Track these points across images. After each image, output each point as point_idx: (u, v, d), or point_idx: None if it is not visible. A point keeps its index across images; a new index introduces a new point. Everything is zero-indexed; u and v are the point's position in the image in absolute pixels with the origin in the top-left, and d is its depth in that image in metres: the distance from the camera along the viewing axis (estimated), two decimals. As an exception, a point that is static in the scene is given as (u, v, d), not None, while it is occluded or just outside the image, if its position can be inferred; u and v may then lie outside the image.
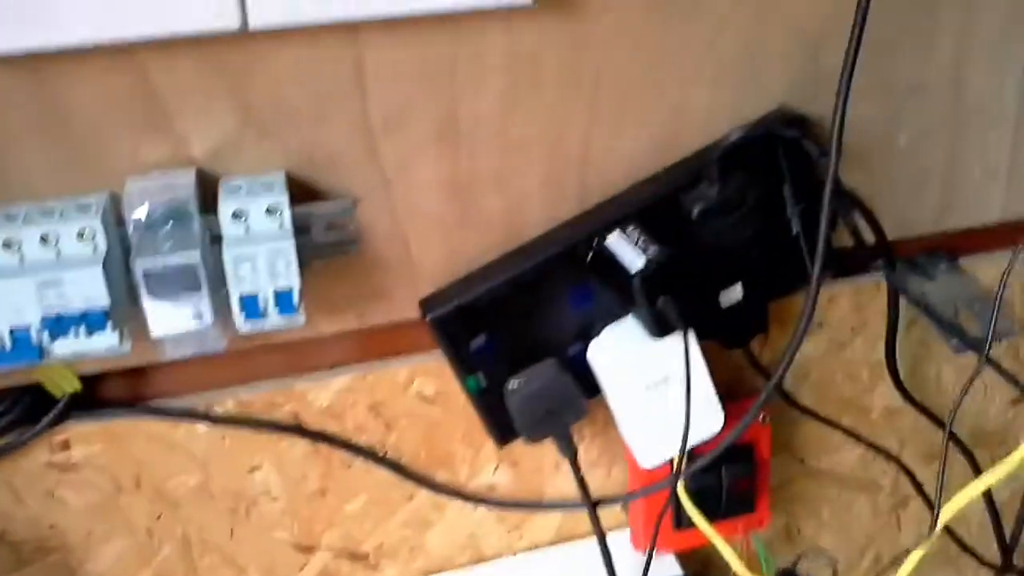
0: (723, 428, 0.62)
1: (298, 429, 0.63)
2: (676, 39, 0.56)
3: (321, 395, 0.63)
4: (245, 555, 0.66)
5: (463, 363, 0.59)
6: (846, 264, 0.68)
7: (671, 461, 0.63)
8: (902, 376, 0.71)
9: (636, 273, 0.54)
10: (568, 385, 0.60)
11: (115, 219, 0.51)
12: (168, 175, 0.51)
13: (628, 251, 0.55)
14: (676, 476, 0.63)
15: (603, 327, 0.60)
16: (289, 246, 0.50)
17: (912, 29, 0.60)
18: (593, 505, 0.65)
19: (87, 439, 0.59)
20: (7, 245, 0.48)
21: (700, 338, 0.59)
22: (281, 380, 0.62)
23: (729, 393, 0.62)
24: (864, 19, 0.52)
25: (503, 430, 0.62)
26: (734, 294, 0.61)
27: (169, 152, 0.52)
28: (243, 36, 0.47)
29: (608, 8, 0.54)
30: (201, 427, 0.61)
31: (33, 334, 0.48)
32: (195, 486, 0.63)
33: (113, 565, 0.64)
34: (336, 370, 0.63)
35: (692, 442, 0.61)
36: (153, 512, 0.63)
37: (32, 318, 0.47)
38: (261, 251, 0.50)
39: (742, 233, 0.58)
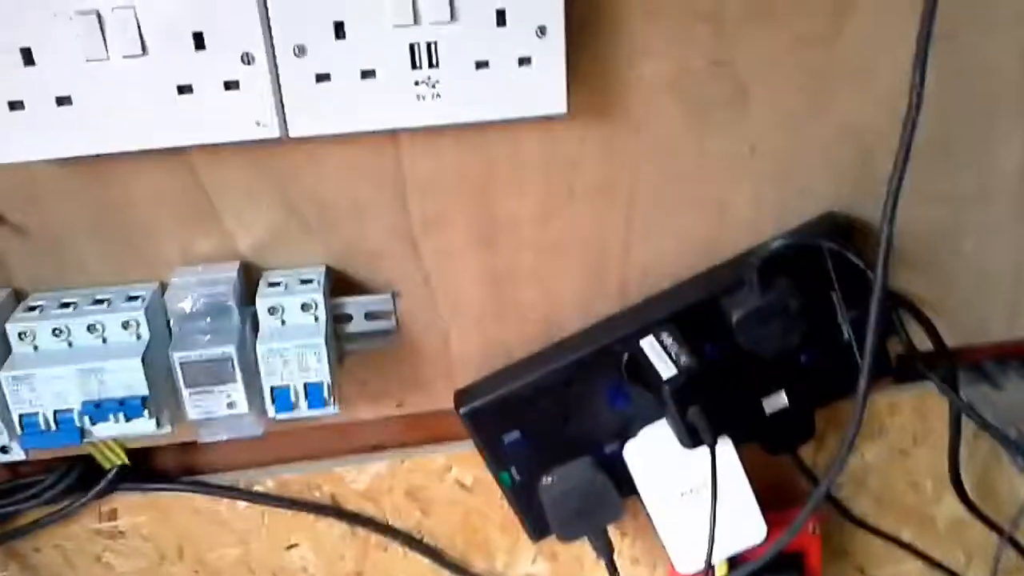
0: (767, 537, 0.60)
1: (336, 511, 0.64)
2: (716, 147, 0.56)
3: (359, 478, 0.64)
4: (282, 630, 0.67)
5: (496, 457, 0.59)
6: (907, 370, 0.65)
7: (711, 568, 0.61)
8: (969, 486, 0.67)
9: (666, 383, 0.53)
10: (604, 484, 0.60)
11: (162, 309, 0.53)
12: (213, 268, 0.54)
13: (660, 359, 0.54)
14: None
15: (640, 427, 0.59)
16: (321, 342, 0.51)
17: (970, 135, 0.57)
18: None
19: (134, 509, 0.62)
20: (56, 332, 0.51)
21: (743, 442, 0.58)
22: (320, 462, 0.64)
23: (780, 499, 0.60)
24: (914, 126, 0.50)
25: (538, 525, 0.61)
26: (779, 400, 0.59)
27: (216, 246, 0.54)
28: (286, 141, 0.49)
29: (646, 120, 0.54)
30: (242, 504, 0.63)
31: (75, 417, 0.50)
32: (235, 560, 0.64)
33: (153, 632, 0.66)
34: (374, 454, 0.64)
35: (731, 552, 0.59)
36: (195, 582, 0.65)
37: (74, 402, 0.50)
38: (292, 346, 0.51)
39: (786, 340, 0.56)
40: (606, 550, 0.62)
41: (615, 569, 0.62)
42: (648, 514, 0.60)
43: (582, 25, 0.51)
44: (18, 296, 0.53)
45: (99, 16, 0.44)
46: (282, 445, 0.64)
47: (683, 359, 0.53)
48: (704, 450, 0.56)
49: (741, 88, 0.54)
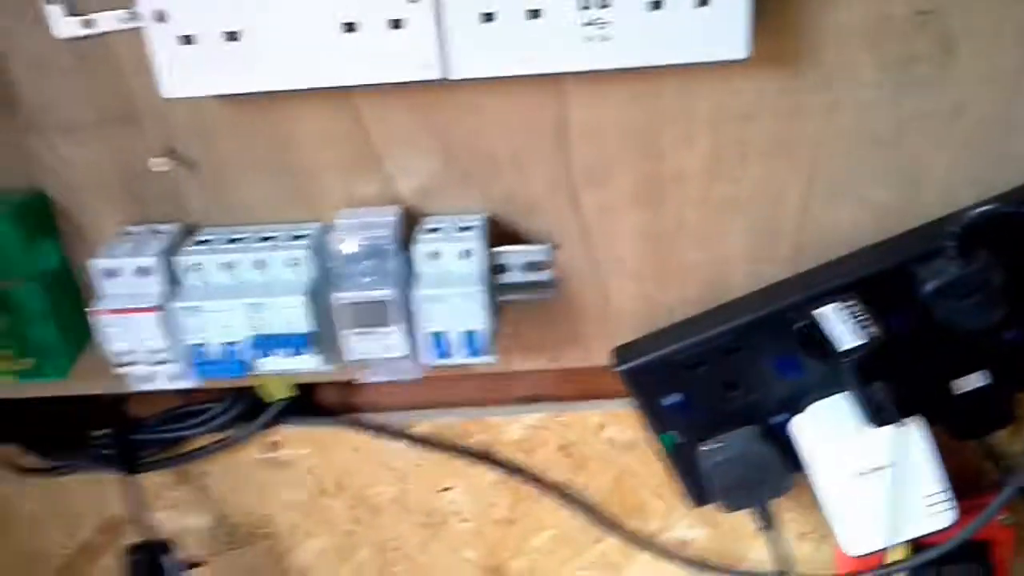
0: (953, 524, 0.54)
1: (489, 458, 0.64)
2: (914, 106, 0.49)
3: (513, 428, 0.63)
4: (434, 568, 0.68)
5: (656, 419, 0.56)
6: None
7: (883, 550, 0.57)
8: None
9: (847, 353, 0.48)
10: (770, 456, 0.56)
11: (325, 249, 0.53)
12: (374, 212, 0.53)
13: (842, 327, 0.49)
14: (881, 571, 0.57)
15: (811, 401, 0.55)
16: (479, 291, 0.50)
17: None
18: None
19: (298, 442, 0.64)
20: (225, 267, 0.52)
21: (931, 424, 0.52)
22: (475, 409, 0.63)
23: (969, 484, 0.55)
24: None
25: (699, 491, 0.59)
26: (970, 382, 0.53)
27: (378, 190, 0.53)
28: (448, 85, 0.48)
29: (836, 73, 0.49)
30: (400, 444, 0.63)
31: (242, 350, 0.51)
32: (391, 498, 0.66)
33: (315, 559, 0.68)
34: (528, 406, 0.63)
35: (913, 535, 0.55)
36: (353, 516, 0.66)
37: (241, 335, 0.51)
38: (451, 293, 0.50)
39: (987, 315, 0.50)
40: (768, 523, 0.58)
41: (776, 544, 0.59)
42: (815, 491, 0.55)
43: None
44: (188, 231, 0.55)
45: (269, -50, 0.44)
46: (440, 389, 0.64)
47: (865, 329, 0.48)
48: (884, 430, 0.51)
49: (947, 41, 0.48)
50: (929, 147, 0.51)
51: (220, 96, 0.50)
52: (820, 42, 0.48)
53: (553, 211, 0.54)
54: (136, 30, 0.48)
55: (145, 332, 0.51)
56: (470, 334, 0.51)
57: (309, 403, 0.64)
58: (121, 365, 0.53)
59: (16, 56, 0.51)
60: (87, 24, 0.49)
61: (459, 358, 0.52)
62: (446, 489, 0.65)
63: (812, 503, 0.63)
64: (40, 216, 0.54)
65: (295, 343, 0.51)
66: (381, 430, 0.63)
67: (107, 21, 0.48)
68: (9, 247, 0.53)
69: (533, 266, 0.55)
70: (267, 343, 0.51)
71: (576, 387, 0.63)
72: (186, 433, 0.62)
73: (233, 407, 0.62)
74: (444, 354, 0.52)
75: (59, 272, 0.55)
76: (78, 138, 0.52)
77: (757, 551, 0.66)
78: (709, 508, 0.61)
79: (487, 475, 0.64)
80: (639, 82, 0.49)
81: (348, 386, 0.65)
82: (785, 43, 0.48)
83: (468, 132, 0.51)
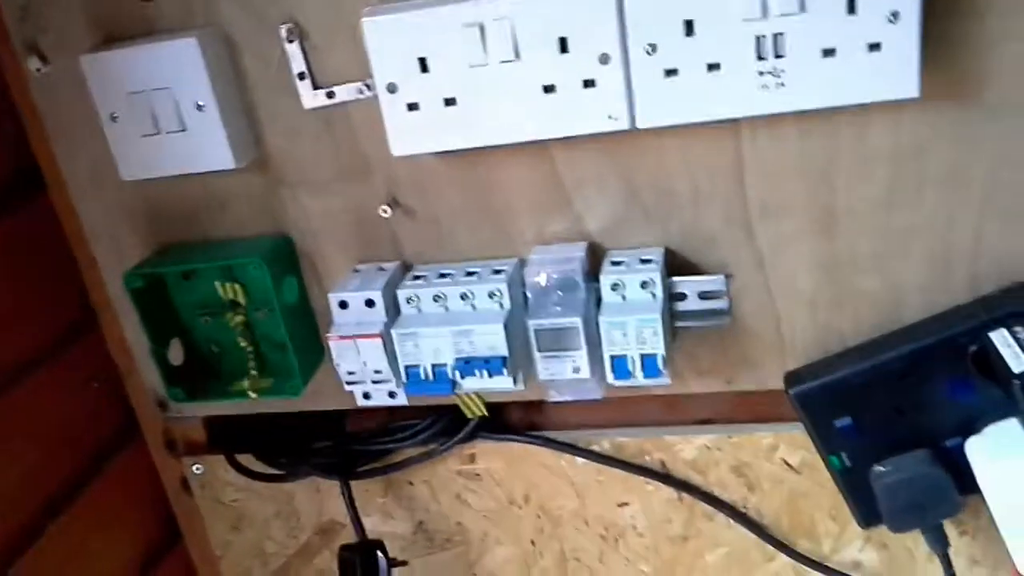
0: None
1: (664, 476, 0.68)
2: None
3: (687, 448, 0.67)
4: (611, 580, 0.73)
5: (825, 441, 0.60)
6: None
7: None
8: None
9: (1017, 377, 0.51)
10: (941, 479, 0.58)
11: (521, 281, 0.60)
12: (564, 248, 0.60)
13: (1012, 351, 0.52)
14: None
15: (986, 424, 0.57)
16: (656, 318, 0.55)
17: None
18: (964, 607, 0.61)
19: (490, 456, 0.71)
20: (437, 299, 0.60)
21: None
22: (652, 429, 0.68)
23: None
24: None
25: (867, 512, 0.61)
26: None
27: (567, 227, 0.60)
28: (634, 133, 0.54)
29: (1006, 105, 0.51)
30: (580, 460, 0.69)
31: (448, 371, 0.59)
32: (573, 510, 0.71)
33: (502, 565, 0.75)
34: (703, 427, 0.67)
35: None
36: (537, 526, 0.72)
37: (448, 358, 0.59)
38: (632, 320, 0.56)
39: None
40: (940, 545, 0.60)
41: (949, 564, 0.60)
42: (990, 513, 0.57)
43: (937, 8, 0.49)
44: (405, 267, 0.63)
45: (481, 28, 0.51)
46: (618, 411, 0.69)
47: (1039, 354, 0.50)
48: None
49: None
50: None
51: (437, 153, 0.57)
52: (989, 76, 0.51)
53: (728, 244, 0.58)
54: (370, 100, 0.57)
55: (369, 355, 0.60)
56: (647, 357, 0.57)
57: (500, 422, 0.71)
58: (349, 384, 0.61)
59: (271, 124, 0.61)
60: (330, 96, 0.58)
61: (637, 379, 0.57)
62: (624, 504, 0.70)
63: (986, 529, 0.65)
64: (285, 257, 0.64)
65: (494, 365, 0.58)
66: (566, 446, 0.69)
67: (346, 92, 0.58)
68: (261, 284, 0.63)
69: (709, 295, 0.60)
70: (471, 365, 0.58)
71: (749, 410, 0.66)
72: (395, 446, 0.70)
73: (436, 423, 0.69)
74: (624, 375, 0.57)
75: (298, 305, 0.65)
76: (318, 191, 0.62)
77: (929, 573, 0.67)
78: (880, 530, 0.64)
79: (662, 492, 0.69)
80: (813, 121, 0.54)
81: (534, 407, 0.72)
82: (953, 80, 0.51)
83: (650, 173, 0.57)
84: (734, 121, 0.55)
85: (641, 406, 0.68)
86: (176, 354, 0.67)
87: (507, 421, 0.72)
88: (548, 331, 0.57)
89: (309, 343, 0.66)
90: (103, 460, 0.74)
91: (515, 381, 0.59)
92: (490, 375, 0.58)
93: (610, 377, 0.58)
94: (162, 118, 0.59)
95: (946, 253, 0.56)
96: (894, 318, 0.59)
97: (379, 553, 0.67)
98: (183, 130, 0.59)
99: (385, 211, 0.61)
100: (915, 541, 0.66)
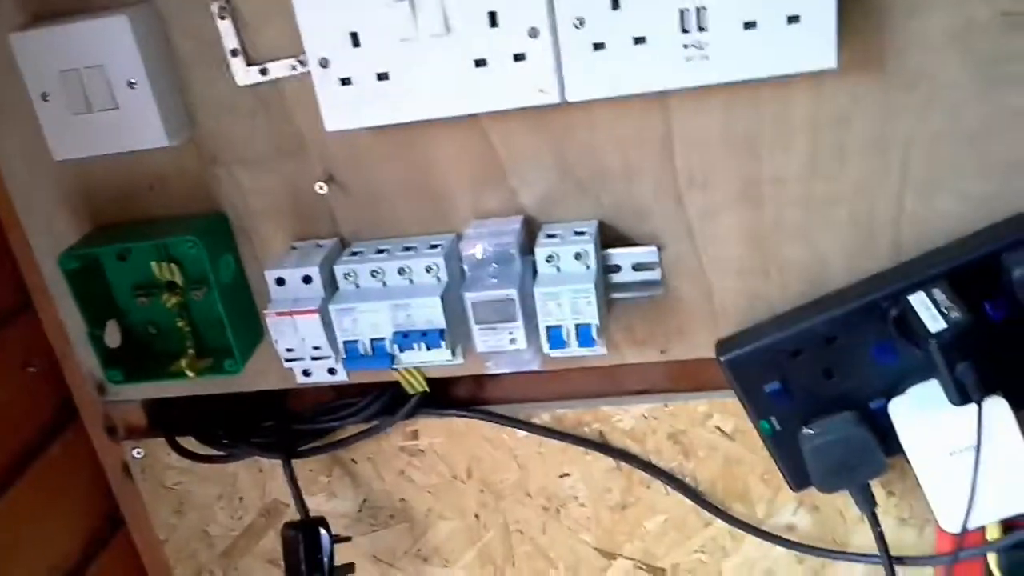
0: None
1: (603, 446, 0.70)
2: (1008, 103, 0.53)
3: (625, 418, 0.69)
4: (555, 550, 0.74)
5: (756, 406, 0.62)
6: None
7: (981, 530, 0.60)
8: None
9: (933, 336, 0.53)
10: (867, 439, 0.60)
11: (456, 256, 0.61)
12: (499, 222, 0.61)
13: (930, 313, 0.54)
14: (984, 548, 0.60)
15: (908, 385, 0.59)
16: (591, 288, 0.57)
17: None
18: (891, 561, 0.63)
19: (433, 431, 0.71)
20: (374, 273, 0.60)
21: (1021, 407, 0.56)
22: (591, 400, 0.70)
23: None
24: None
25: (798, 475, 0.63)
26: (1062, 364, 0.56)
27: (503, 201, 0.61)
28: (564, 106, 0.55)
29: (925, 75, 0.53)
30: (521, 433, 0.70)
31: (387, 345, 0.59)
32: (515, 483, 0.72)
33: (447, 540, 0.75)
34: (639, 397, 0.69)
35: (1011, 513, 0.58)
36: (481, 500, 0.73)
37: (386, 333, 0.59)
38: (566, 291, 0.57)
39: (1072, 301, 0.53)
40: (867, 504, 0.63)
41: (877, 522, 0.63)
42: (914, 472, 0.59)
43: (852, -20, 0.51)
44: (343, 244, 0.64)
45: (411, 1, 0.52)
46: (558, 383, 0.70)
47: (953, 314, 0.53)
48: (974, 409, 0.55)
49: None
50: (1016, 141, 0.54)
51: (372, 128, 0.58)
52: (906, 47, 0.53)
53: (660, 215, 0.60)
54: (303, 76, 0.57)
55: (307, 331, 0.60)
56: (582, 327, 0.58)
57: (443, 398, 0.72)
58: (288, 361, 0.62)
59: (205, 101, 0.61)
60: (263, 72, 0.58)
61: (573, 349, 0.58)
62: (564, 475, 0.71)
63: (912, 490, 0.67)
64: (221, 236, 0.64)
65: (432, 338, 0.59)
66: (507, 419, 0.70)
67: (280, 69, 0.58)
68: (197, 263, 0.63)
69: (642, 266, 0.62)
70: (409, 338, 0.59)
71: (684, 379, 0.68)
72: (337, 424, 0.71)
73: (378, 400, 0.70)
74: (559, 345, 0.58)
75: (235, 284, 0.65)
76: (254, 168, 0.62)
77: (860, 536, 0.69)
78: (812, 493, 0.66)
79: (601, 462, 0.70)
80: (739, 93, 0.55)
81: (475, 382, 0.73)
82: (872, 50, 0.53)
83: (582, 146, 0.58)
84: (662, 94, 0.56)
85: (580, 378, 0.70)
86: (113, 336, 0.67)
87: (449, 397, 0.73)
88: (485, 303, 0.58)
89: (247, 322, 0.66)
90: (42, 446, 0.73)
91: (453, 354, 0.60)
92: (428, 348, 0.59)
93: (546, 348, 0.59)
94: (94, 96, 0.58)
95: (869, 221, 0.58)
96: (820, 285, 0.61)
97: (322, 530, 0.67)
98: (115, 108, 0.58)
99: (321, 188, 0.61)
100: (845, 503, 0.69)
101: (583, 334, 0.58)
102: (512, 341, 0.59)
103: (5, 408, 0.70)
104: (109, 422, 0.76)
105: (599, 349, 0.58)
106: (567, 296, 0.57)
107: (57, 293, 0.69)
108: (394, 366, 0.60)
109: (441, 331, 0.58)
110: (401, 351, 0.59)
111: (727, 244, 0.61)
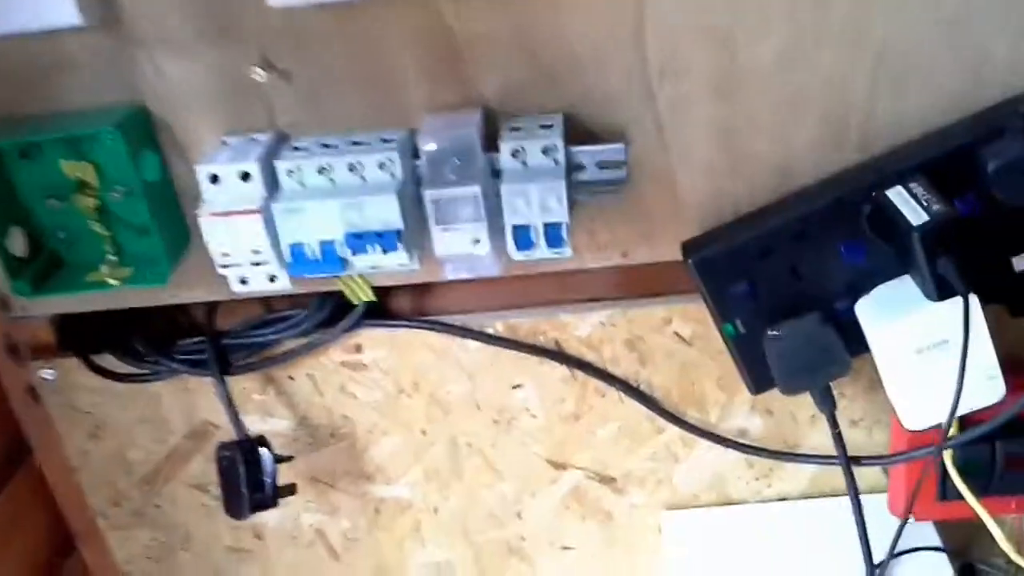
0: (1003, 400, 0.58)
1: (558, 355, 0.67)
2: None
3: (581, 326, 0.66)
4: (504, 462, 0.72)
5: (721, 308, 0.60)
6: None
7: (939, 428, 0.60)
8: None
9: (916, 229, 0.51)
10: (831, 340, 0.59)
11: (411, 153, 0.56)
12: (458, 115, 0.56)
13: (909, 207, 0.52)
14: (942, 444, 0.60)
15: (875, 284, 0.58)
16: (561, 184, 0.53)
17: None
18: (849, 461, 0.64)
19: (376, 344, 0.67)
20: (322, 170, 0.55)
21: (986, 303, 0.56)
22: (546, 308, 0.67)
23: (1017, 364, 0.58)
24: None
25: (758, 378, 0.62)
26: (1031, 260, 0.56)
27: (461, 94, 0.56)
28: None
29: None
30: (473, 344, 0.67)
31: (337, 248, 0.54)
32: (463, 395, 0.69)
33: (391, 456, 0.72)
34: (596, 304, 0.66)
35: (965, 410, 0.58)
36: (427, 414, 0.70)
37: (337, 234, 0.54)
38: (534, 187, 0.53)
39: (1045, 195, 0.53)
40: (829, 405, 0.62)
41: (836, 423, 0.62)
42: (878, 371, 0.59)
43: None
44: (280, 138, 0.58)
45: None
46: (510, 293, 0.67)
47: (935, 207, 0.51)
48: (944, 306, 0.54)
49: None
50: (995, 30, 0.53)
51: (316, 5, 0.52)
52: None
53: (628, 107, 0.56)
54: (239, -63, 0.50)
55: (247, 234, 0.54)
56: (551, 227, 0.54)
57: (385, 309, 0.67)
58: (223, 268, 0.56)
59: (118, -32, 0.53)
60: (190, -67, 0.51)
61: (541, 251, 0.55)
62: (517, 387, 0.69)
63: (864, 392, 0.68)
64: (142, 129, 0.57)
65: (388, 239, 0.54)
66: (458, 330, 0.66)
67: (211, -71, 0.51)
68: (115, 160, 0.56)
69: (607, 164, 0.58)
70: (363, 240, 0.54)
71: (643, 284, 0.66)
72: (273, 337, 0.66)
73: (319, 312, 0.65)
74: (527, 246, 0.55)
75: (160, 183, 0.58)
76: (179, 52, 0.55)
77: (811, 438, 0.70)
78: (765, 397, 0.65)
79: (556, 372, 0.68)
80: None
81: (420, 292, 0.68)
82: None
83: (547, 31, 0.54)
84: (636, -28, 0.52)
85: (534, 286, 0.67)
86: (18, 244, 0.59)
87: (392, 308, 0.68)
88: (446, 201, 0.53)
89: (173, 226, 0.59)
90: (-68, 371, 0.66)
91: (410, 258, 0.55)
92: (384, 251, 0.54)
93: (511, 249, 0.55)
94: (-13, -38, 0.50)
95: (839, 116, 0.56)
96: (787, 183, 0.59)
97: (262, 449, 0.62)
98: (13, -24, 0.50)
99: (259, 75, 0.55)
100: (798, 405, 0.69)
101: (552, 234, 0.54)
102: (476, 243, 0.54)
103: None
104: (9, 341, 0.69)
105: (567, 251, 0.55)
106: (536, 193, 0.53)
107: (-56, 196, 0.61)
108: (345, 271, 0.55)
109: (398, 232, 0.54)
110: (354, 254, 0.54)
111: (696, 139, 0.57)
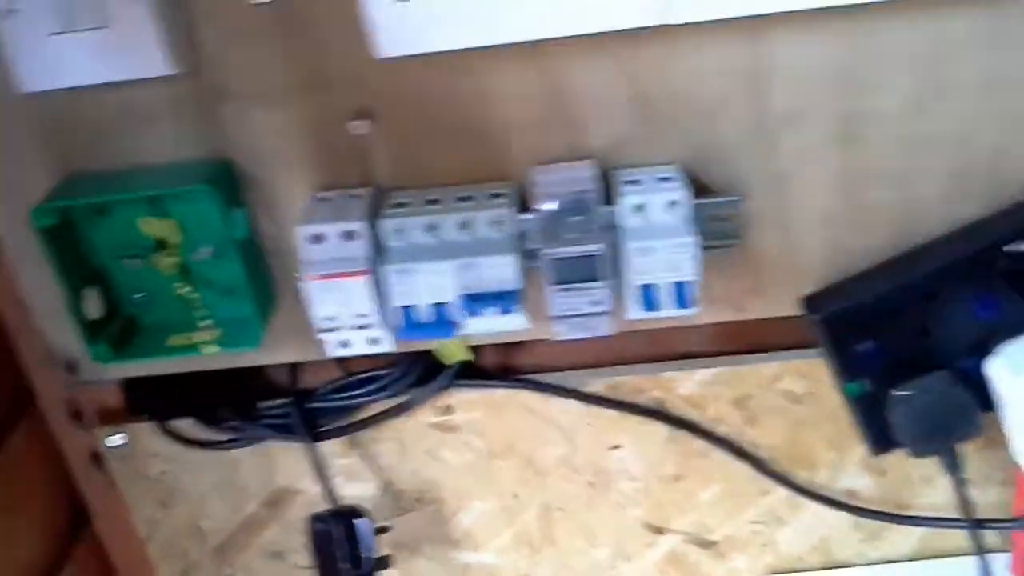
0: None
1: (661, 415, 0.63)
2: None
3: (686, 384, 0.62)
4: (599, 527, 0.68)
5: (846, 366, 0.56)
6: None
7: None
8: None
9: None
10: (964, 399, 0.56)
11: (521, 207, 0.53)
12: (567, 168, 0.52)
13: (1056, 262, 0.49)
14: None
15: (1004, 340, 0.55)
16: (692, 241, 0.50)
17: None
18: (975, 525, 0.60)
19: (469, 405, 0.63)
20: (430, 228, 0.51)
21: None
22: (649, 366, 0.63)
23: None
24: None
25: (879, 439, 0.58)
26: None
27: (567, 144, 0.53)
28: (646, 33, 0.47)
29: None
30: (572, 403, 0.63)
31: (451, 311, 0.51)
32: (559, 458, 0.65)
33: (479, 521, 0.68)
34: (703, 360, 0.63)
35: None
36: (520, 478, 0.66)
37: (451, 296, 0.51)
38: (664, 245, 0.50)
39: None
40: (956, 468, 0.58)
41: (964, 486, 0.59)
42: (1007, 431, 0.55)
43: None
44: (379, 194, 0.54)
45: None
46: (603, 347, 0.63)
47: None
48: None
49: None
50: None
51: (418, 56, 0.48)
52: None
53: (744, 159, 0.53)
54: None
55: (354, 297, 0.51)
56: (680, 285, 0.51)
57: (475, 368, 0.64)
58: (323, 331, 0.52)
59: (211, 21, 0.50)
60: (291, -16, 0.48)
61: (667, 310, 0.51)
62: (615, 448, 0.65)
63: (980, 448, 0.64)
64: (230, 185, 0.53)
65: (505, 301, 0.51)
66: (554, 389, 0.63)
67: (317, -20, 0.48)
68: (201, 218, 0.53)
69: (722, 217, 0.55)
70: (479, 302, 0.50)
71: (753, 340, 0.62)
72: (363, 400, 0.62)
73: (410, 372, 0.61)
74: (652, 307, 0.51)
75: (248, 242, 0.55)
76: (270, 104, 0.52)
77: (924, 499, 0.66)
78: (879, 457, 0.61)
79: (658, 432, 0.64)
80: (841, 21, 0.48)
81: (510, 347, 0.65)
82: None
83: (664, 80, 0.51)
84: (760, 19, 0.48)
85: (635, 343, 0.63)
86: (93, 306, 0.55)
87: (486, 366, 0.65)
88: (566, 260, 0.50)
89: (262, 286, 0.56)
90: (-2, 439, 0.62)
91: (525, 320, 0.52)
92: (501, 313, 0.51)
93: (634, 310, 0.51)
94: (77, 11, 0.47)
95: (968, 164, 0.53)
96: (910, 235, 0.55)
97: (360, 520, 0.58)
98: (103, 27, 0.47)
99: (359, 128, 0.52)
100: (913, 465, 0.65)
101: (680, 293, 0.51)
102: (595, 303, 0.51)
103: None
104: (74, 406, 0.65)
105: (695, 309, 0.51)
106: (665, 251, 0.50)
107: (16, 256, 0.57)
108: (458, 334, 0.52)
109: (516, 293, 0.50)
110: (467, 317, 0.51)
111: (816, 189, 0.54)
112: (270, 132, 0.53)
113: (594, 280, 0.50)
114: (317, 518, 0.59)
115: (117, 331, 0.56)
